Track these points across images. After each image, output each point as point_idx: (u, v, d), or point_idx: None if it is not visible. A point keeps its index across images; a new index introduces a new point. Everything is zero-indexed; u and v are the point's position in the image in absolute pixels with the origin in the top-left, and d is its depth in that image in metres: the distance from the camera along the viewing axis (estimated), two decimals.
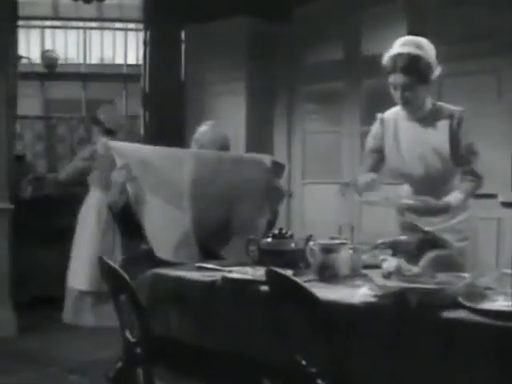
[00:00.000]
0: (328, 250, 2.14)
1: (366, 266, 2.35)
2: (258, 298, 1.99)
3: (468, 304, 1.67)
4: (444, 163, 2.56)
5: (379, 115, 2.77)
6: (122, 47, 6.35)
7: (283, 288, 1.73)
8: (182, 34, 5.69)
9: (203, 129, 3.09)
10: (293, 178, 5.47)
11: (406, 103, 2.52)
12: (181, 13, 5.52)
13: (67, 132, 5.79)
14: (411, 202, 2.53)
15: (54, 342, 4.22)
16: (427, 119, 2.57)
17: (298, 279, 1.77)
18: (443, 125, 2.54)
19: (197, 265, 2.32)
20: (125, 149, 2.70)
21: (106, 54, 6.34)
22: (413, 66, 2.44)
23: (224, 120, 5.22)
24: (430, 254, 2.21)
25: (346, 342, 1.69)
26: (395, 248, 2.76)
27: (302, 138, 5.47)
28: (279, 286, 1.75)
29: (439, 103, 2.62)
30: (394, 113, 2.70)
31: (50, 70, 5.70)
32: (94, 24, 6.17)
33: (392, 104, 2.75)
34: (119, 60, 6.38)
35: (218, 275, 2.17)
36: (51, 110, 6.23)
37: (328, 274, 2.13)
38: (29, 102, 5.92)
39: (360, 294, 1.79)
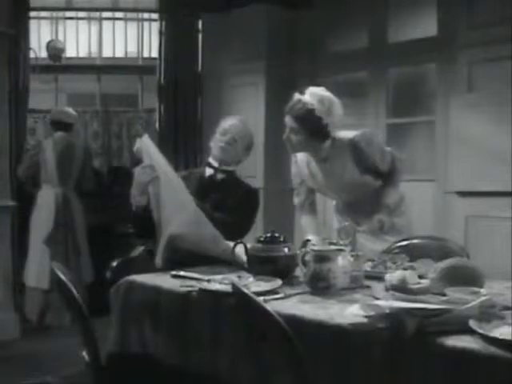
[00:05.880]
0: (321, 258, 1.83)
1: (372, 276, 2.06)
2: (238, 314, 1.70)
3: (480, 330, 1.35)
4: (366, 189, 2.73)
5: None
6: (138, 38, 6.13)
7: (244, 305, 1.44)
8: (199, 24, 5.48)
9: (232, 121, 2.77)
10: None
11: (288, 144, 2.64)
12: (197, 1, 5.31)
13: (81, 126, 5.61)
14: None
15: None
16: (330, 157, 2.66)
17: (252, 294, 1.44)
18: (346, 158, 2.63)
19: (173, 273, 2.05)
20: (153, 149, 2.47)
21: (121, 45, 6.11)
22: (304, 117, 2.54)
23: (242, 113, 4.99)
24: (445, 263, 1.87)
25: (322, 372, 1.39)
26: (412, 253, 2.46)
27: None
28: (240, 302, 1.46)
29: (338, 136, 2.64)
30: (305, 154, 2.77)
31: (55, 61, 5.52)
32: (108, 14, 5.95)
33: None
34: (135, 52, 6.16)
35: (196, 285, 1.90)
36: (65, 104, 6.05)
37: (321, 285, 1.82)
38: (42, 96, 5.77)
39: (348, 313, 1.48)
